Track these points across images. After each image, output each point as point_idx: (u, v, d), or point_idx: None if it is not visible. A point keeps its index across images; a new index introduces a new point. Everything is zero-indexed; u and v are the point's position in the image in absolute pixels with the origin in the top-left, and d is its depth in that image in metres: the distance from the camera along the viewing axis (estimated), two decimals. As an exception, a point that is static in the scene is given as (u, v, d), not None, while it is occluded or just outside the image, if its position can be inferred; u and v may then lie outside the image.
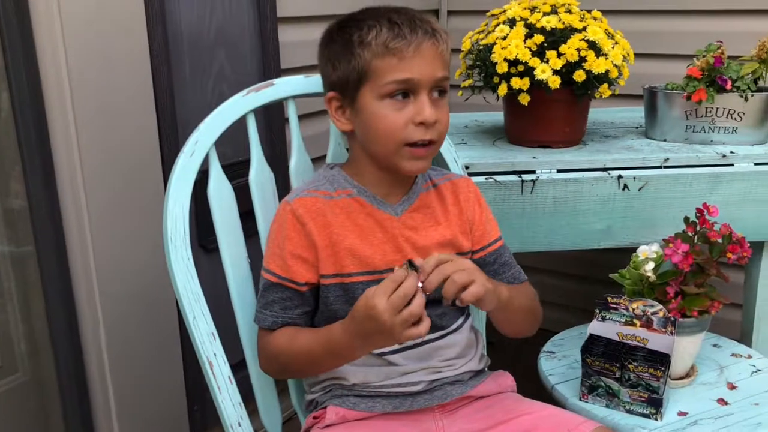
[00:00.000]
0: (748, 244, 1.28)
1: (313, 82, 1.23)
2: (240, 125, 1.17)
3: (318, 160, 1.30)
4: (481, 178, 1.41)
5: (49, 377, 1.40)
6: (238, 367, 1.15)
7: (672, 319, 1.20)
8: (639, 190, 1.45)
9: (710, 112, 1.54)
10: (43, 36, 1.24)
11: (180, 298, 1.06)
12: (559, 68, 1.41)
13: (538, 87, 1.44)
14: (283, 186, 1.27)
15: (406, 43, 0.98)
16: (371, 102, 1.02)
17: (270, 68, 1.72)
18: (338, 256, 1.05)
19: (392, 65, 0.99)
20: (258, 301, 1.08)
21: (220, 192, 1.13)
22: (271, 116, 1.74)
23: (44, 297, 1.36)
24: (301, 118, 1.27)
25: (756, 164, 1.48)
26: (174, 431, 1.60)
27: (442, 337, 1.10)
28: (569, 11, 1.47)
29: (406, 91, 1.01)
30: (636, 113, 1.90)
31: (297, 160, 1.24)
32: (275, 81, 1.20)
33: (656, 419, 1.21)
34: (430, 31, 1.01)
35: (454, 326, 1.12)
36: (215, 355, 1.07)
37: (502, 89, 1.46)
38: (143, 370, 1.49)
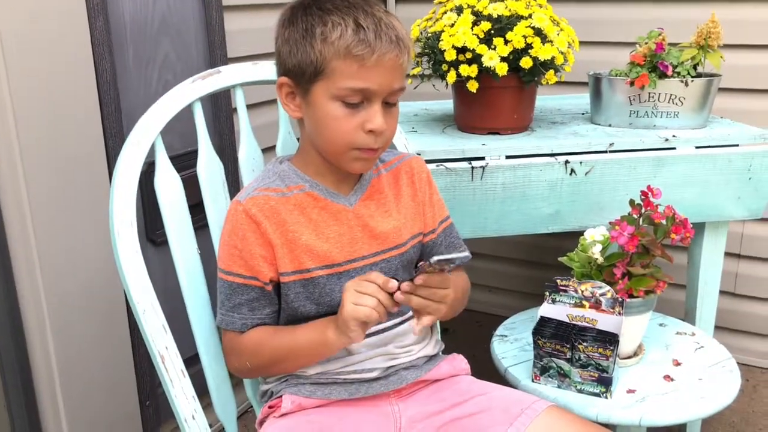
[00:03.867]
0: (691, 225, 1.32)
1: (261, 70, 1.21)
2: (186, 116, 1.15)
3: (268, 150, 1.29)
4: (433, 166, 1.41)
5: (-8, 378, 1.36)
6: (192, 361, 1.14)
7: (620, 299, 1.23)
8: (586, 174, 1.48)
9: (653, 97, 1.58)
10: (-23, 24, 1.20)
11: (129, 291, 1.03)
12: (506, 55, 1.43)
13: (486, 74, 1.45)
14: (232, 177, 1.25)
15: (369, 52, 0.95)
16: (323, 100, 1.00)
17: (216, 57, 1.69)
18: (295, 253, 1.04)
19: (351, 71, 0.96)
20: (222, 304, 1.06)
21: (168, 183, 1.11)
22: (218, 106, 1.71)
23: (-15, 296, 1.32)
24: (250, 107, 1.26)
25: (697, 147, 1.53)
26: (126, 429, 1.57)
27: (401, 323, 1.11)
28: (515, -2, 1.49)
29: (361, 97, 0.99)
30: (581, 100, 1.94)
31: (246, 150, 1.22)
32: (222, 68, 1.18)
33: (606, 397, 1.23)
34: (394, 40, 0.98)
35: (412, 312, 1.12)
36: (167, 348, 1.05)
37: (451, 76, 1.46)
38: (92, 368, 1.46)
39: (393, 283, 0.94)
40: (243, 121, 1.22)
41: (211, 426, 1.11)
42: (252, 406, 1.24)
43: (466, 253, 0.99)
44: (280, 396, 1.08)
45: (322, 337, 1.00)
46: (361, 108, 0.99)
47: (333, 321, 0.99)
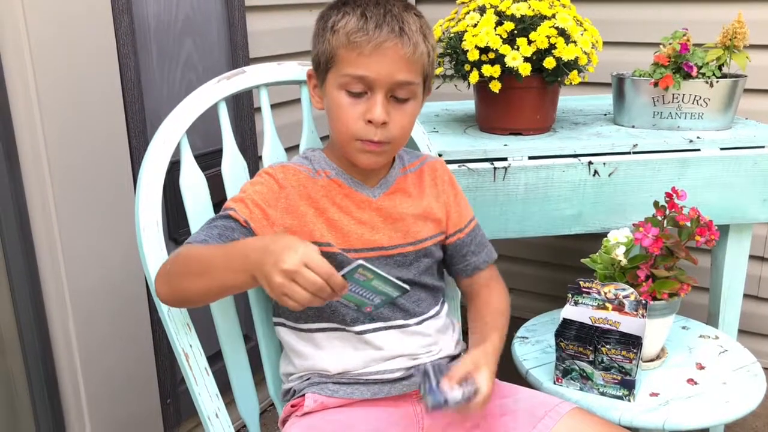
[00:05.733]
0: (716, 227, 1.31)
1: (286, 71, 1.22)
2: (208, 115, 1.15)
3: (291, 149, 1.29)
4: (455, 166, 1.41)
5: (18, 375, 1.37)
6: (214, 358, 1.14)
7: (643, 302, 1.22)
8: (609, 175, 1.47)
9: (677, 98, 1.56)
10: (5, 26, 1.21)
11: (154, 289, 1.04)
12: (529, 55, 1.42)
13: (508, 74, 1.44)
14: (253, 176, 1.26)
15: (366, 40, 0.97)
16: (333, 89, 1.02)
17: (238, 57, 1.70)
18: (313, 227, 1.04)
19: (351, 59, 0.98)
20: (199, 228, 1.02)
21: (193, 181, 1.12)
22: (240, 105, 1.72)
23: (11, 293, 1.33)
24: (273, 107, 1.26)
25: (721, 149, 1.51)
26: (147, 426, 1.58)
27: (419, 323, 1.10)
28: (538, -2, 1.48)
29: (363, 86, 0.99)
30: (604, 100, 1.93)
31: (270, 149, 1.22)
32: (246, 69, 1.19)
33: (629, 401, 1.22)
34: (397, 30, 0.98)
35: (432, 313, 1.13)
36: (191, 346, 1.05)
37: (474, 77, 1.46)
38: (115, 365, 1.47)
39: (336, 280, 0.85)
40: (267, 121, 1.23)
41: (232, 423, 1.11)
42: (272, 404, 1.25)
43: (405, 286, 0.91)
44: (303, 395, 1.08)
45: (241, 269, 0.88)
46: (365, 98, 1.00)
47: (252, 255, 0.86)
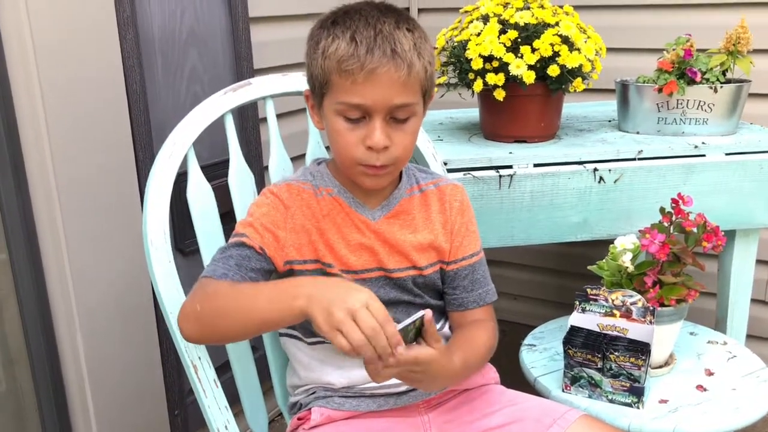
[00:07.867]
0: (722, 233, 1.31)
1: (291, 81, 1.22)
2: (214, 127, 1.16)
3: (296, 159, 1.30)
4: (459, 174, 1.41)
5: (26, 387, 1.37)
6: (222, 369, 1.14)
7: (651, 308, 1.22)
8: (614, 182, 1.47)
9: (681, 104, 1.56)
10: (11, 40, 1.21)
11: (162, 301, 1.04)
12: (533, 63, 1.43)
13: (512, 82, 1.45)
14: (260, 187, 1.26)
15: (358, 67, 0.93)
16: (330, 114, 0.99)
17: (243, 68, 1.70)
18: (317, 246, 1.04)
19: (345, 87, 0.95)
20: (212, 259, 1.01)
21: (200, 193, 1.12)
22: (245, 116, 1.73)
23: (19, 305, 1.33)
24: (278, 117, 1.26)
25: (726, 154, 1.51)
26: (155, 437, 1.58)
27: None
28: (542, 7, 1.49)
29: (360, 112, 0.97)
30: (608, 107, 1.93)
31: (276, 159, 1.23)
32: (252, 80, 1.19)
33: (638, 407, 1.22)
34: (389, 53, 0.94)
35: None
36: (200, 358, 1.05)
37: (478, 85, 1.46)
38: (122, 377, 1.47)
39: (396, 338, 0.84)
40: (273, 132, 1.23)
41: (241, 434, 1.11)
42: (280, 414, 1.24)
43: (422, 312, 0.88)
44: (309, 408, 1.08)
45: (287, 305, 0.87)
46: (363, 123, 0.98)
47: (305, 290, 0.86)
